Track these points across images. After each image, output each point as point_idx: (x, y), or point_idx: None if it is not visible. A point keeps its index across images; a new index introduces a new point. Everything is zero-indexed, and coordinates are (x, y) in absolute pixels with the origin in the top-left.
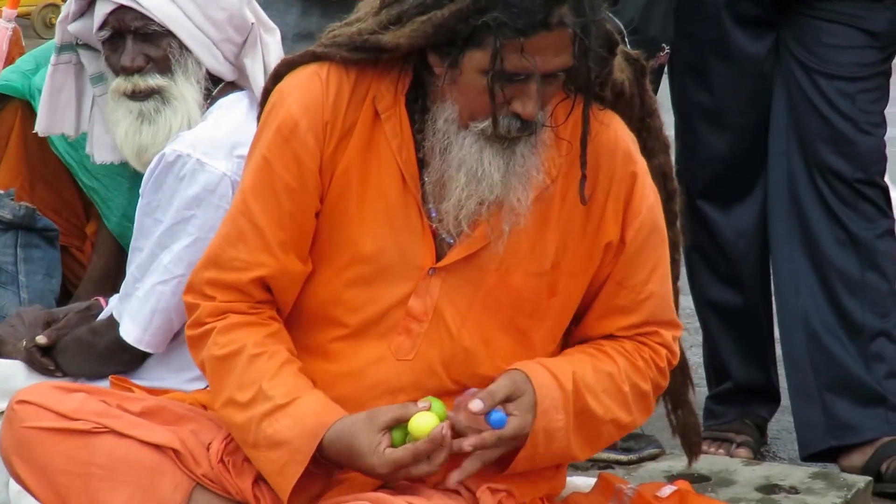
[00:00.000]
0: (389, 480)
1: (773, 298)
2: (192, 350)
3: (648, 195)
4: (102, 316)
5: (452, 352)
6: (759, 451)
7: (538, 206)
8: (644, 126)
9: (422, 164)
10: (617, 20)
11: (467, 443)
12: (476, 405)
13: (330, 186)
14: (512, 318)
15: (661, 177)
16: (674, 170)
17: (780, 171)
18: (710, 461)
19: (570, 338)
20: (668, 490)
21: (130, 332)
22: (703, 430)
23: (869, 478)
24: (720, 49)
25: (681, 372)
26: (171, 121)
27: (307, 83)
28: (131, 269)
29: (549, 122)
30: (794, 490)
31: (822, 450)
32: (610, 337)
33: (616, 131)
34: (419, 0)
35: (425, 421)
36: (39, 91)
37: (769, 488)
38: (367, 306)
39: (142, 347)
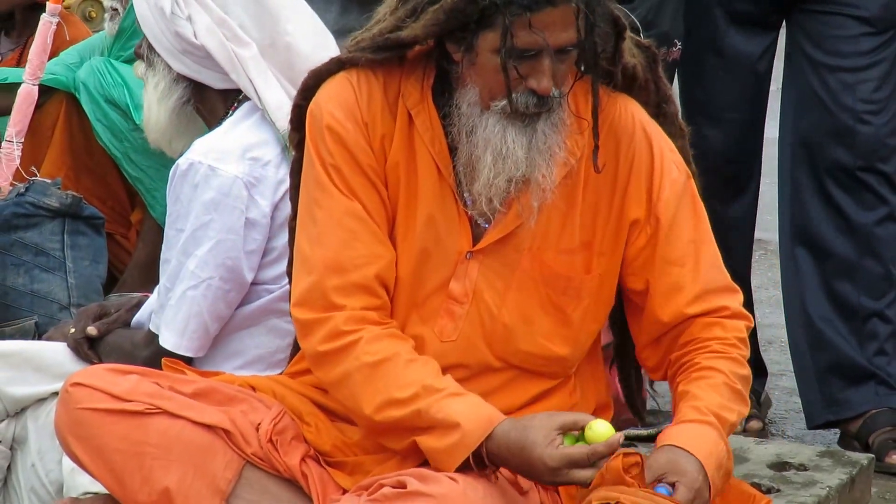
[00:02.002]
0: (550, 478)
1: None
2: (327, 364)
3: (671, 170)
4: (139, 317)
5: (493, 330)
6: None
7: (565, 186)
8: (660, 111)
9: (453, 152)
10: (632, 16)
11: None
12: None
13: (386, 179)
14: (548, 295)
15: (681, 160)
16: (690, 154)
17: (782, 166)
18: None
19: (643, 332)
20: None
21: (168, 340)
22: None
23: (871, 455)
24: (713, 46)
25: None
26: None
27: (340, 90)
28: (162, 280)
29: (568, 104)
30: (803, 467)
31: (822, 423)
32: (684, 323)
33: (633, 114)
34: None
35: (604, 428)
36: (84, 84)
37: (780, 465)
38: (411, 292)
39: (181, 352)
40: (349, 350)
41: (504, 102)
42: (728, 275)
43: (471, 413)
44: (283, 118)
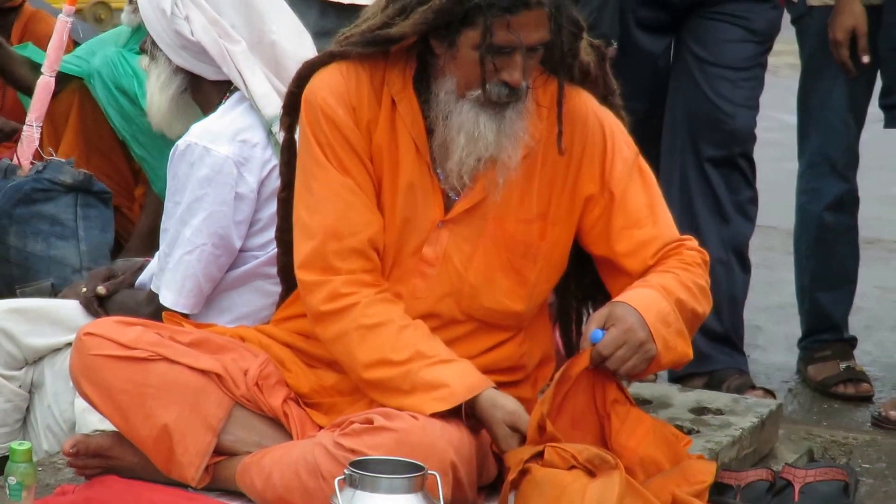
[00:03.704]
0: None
1: None
2: (326, 323)
3: (622, 149)
4: (142, 278)
5: (460, 289)
6: None
7: (525, 164)
8: (607, 103)
9: (429, 134)
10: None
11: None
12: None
13: (372, 158)
14: (509, 259)
15: (630, 140)
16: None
17: (673, 148)
18: (652, 388)
19: (619, 281)
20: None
21: (167, 298)
22: None
23: (779, 401)
24: (625, 45)
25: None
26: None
27: (331, 78)
28: (162, 247)
29: (531, 93)
30: (719, 412)
31: (683, 375)
32: (648, 270)
33: (586, 102)
34: None
35: None
36: (98, 72)
37: (699, 410)
38: (394, 255)
39: (178, 309)
40: (347, 312)
41: (479, 92)
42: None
43: (457, 376)
44: (267, 106)
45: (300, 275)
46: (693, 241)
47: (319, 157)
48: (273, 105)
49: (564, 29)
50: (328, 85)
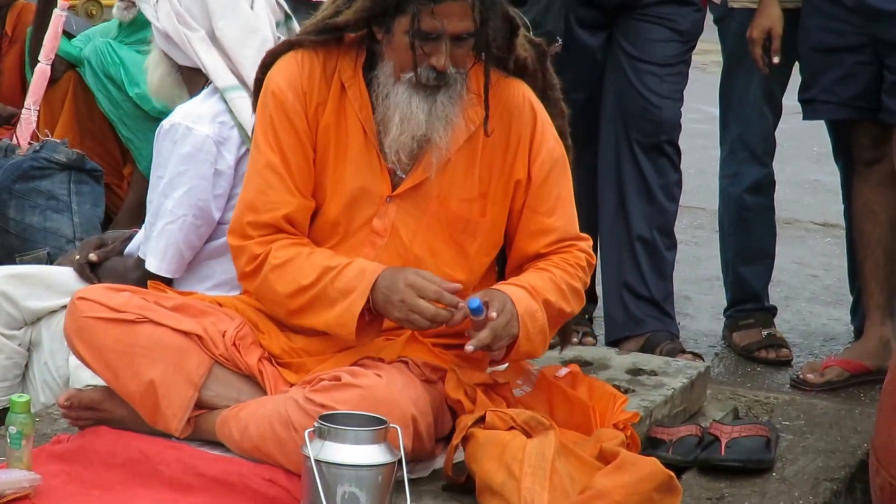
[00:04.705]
0: (399, 297)
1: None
2: (251, 280)
3: (549, 141)
4: (130, 247)
5: (406, 259)
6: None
7: (467, 148)
8: (545, 96)
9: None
10: (524, 17)
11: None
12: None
13: (316, 141)
14: (450, 233)
15: (558, 136)
16: (568, 131)
17: (609, 134)
18: (592, 351)
19: (510, 260)
20: (563, 371)
21: (152, 264)
22: None
23: (707, 363)
24: (568, 42)
25: None
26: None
27: (287, 65)
28: (147, 217)
29: (468, 83)
30: (653, 373)
31: (619, 338)
32: (539, 256)
33: (523, 94)
34: None
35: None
36: (88, 60)
37: (635, 371)
38: (345, 227)
39: (162, 273)
40: (261, 265)
41: (411, 75)
42: (578, 227)
43: (359, 275)
44: (219, 79)
45: (227, 239)
46: (588, 242)
47: (257, 137)
48: (224, 78)
49: (490, 22)
50: (283, 70)
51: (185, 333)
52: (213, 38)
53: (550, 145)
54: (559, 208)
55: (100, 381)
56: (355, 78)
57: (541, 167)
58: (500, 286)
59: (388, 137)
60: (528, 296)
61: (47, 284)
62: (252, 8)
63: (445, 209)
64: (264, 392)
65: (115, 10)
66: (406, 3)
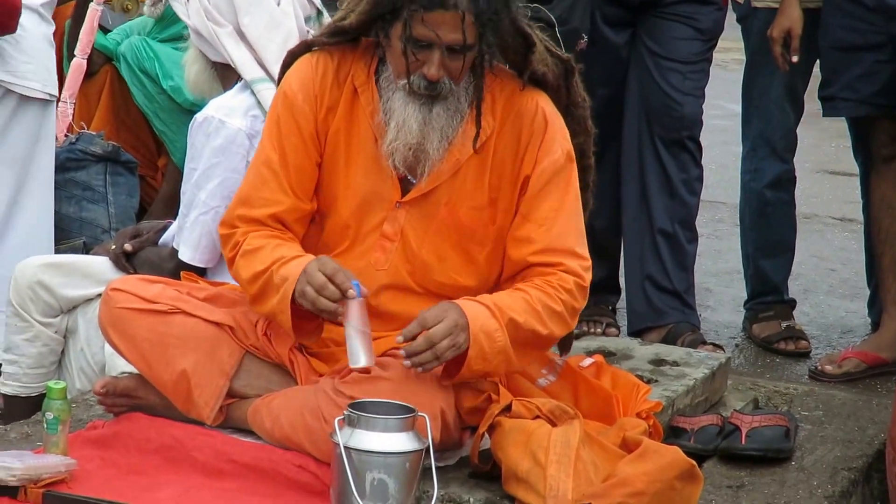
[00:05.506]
0: (301, 287)
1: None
2: (230, 266)
3: (555, 150)
4: (165, 238)
5: (415, 263)
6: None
7: (478, 156)
8: (568, 112)
9: None
10: (550, 14)
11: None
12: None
13: (325, 144)
14: (458, 240)
15: (579, 153)
16: (591, 149)
17: (632, 130)
18: (616, 342)
19: (504, 269)
20: (587, 361)
21: (185, 254)
22: None
23: (727, 354)
24: (595, 38)
25: None
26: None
27: (303, 67)
28: (181, 208)
29: (465, 91)
30: (675, 363)
31: (642, 328)
32: (527, 267)
33: (537, 102)
34: None
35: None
36: (123, 56)
37: (658, 362)
38: (355, 230)
39: (195, 263)
40: (238, 249)
41: (405, 81)
42: (579, 243)
43: (296, 266)
44: (247, 72)
45: (217, 227)
46: (582, 262)
47: (263, 133)
48: (252, 71)
49: (487, 38)
50: (298, 72)
51: (217, 324)
52: (240, 33)
53: (555, 156)
54: (550, 220)
55: (135, 369)
56: (368, 83)
57: (539, 176)
58: (458, 301)
59: (384, 141)
60: (487, 314)
61: (83, 273)
62: (279, 4)
63: (454, 217)
64: (295, 381)
65: (144, 8)
66: (400, 8)
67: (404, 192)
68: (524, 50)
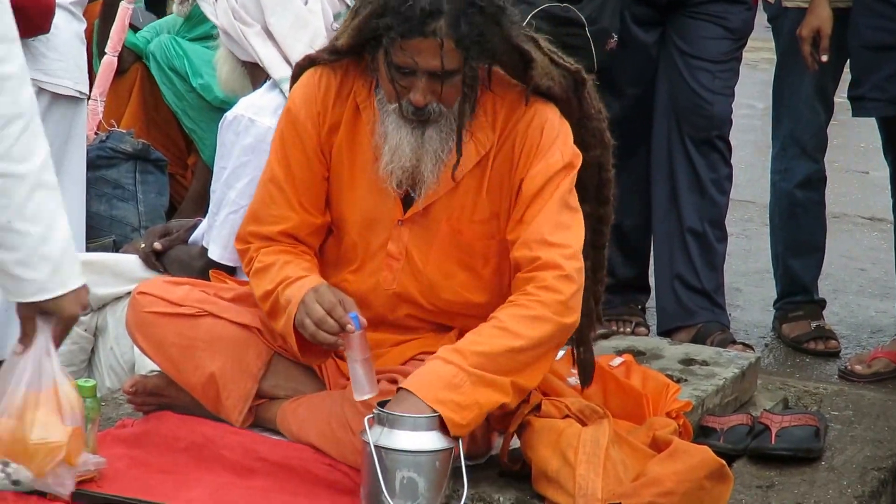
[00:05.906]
0: (300, 317)
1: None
2: (250, 280)
3: (553, 155)
4: (195, 236)
5: (421, 282)
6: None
7: (476, 171)
8: (581, 125)
9: None
10: (579, 13)
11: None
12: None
13: (330, 161)
14: (462, 257)
15: (596, 167)
16: (610, 162)
17: (661, 129)
18: (645, 341)
19: None
20: (617, 361)
21: (215, 252)
22: (604, 313)
23: (757, 354)
24: (624, 38)
25: (586, 317)
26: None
27: (307, 82)
28: (210, 207)
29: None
30: (705, 363)
31: (671, 328)
32: (516, 267)
33: (538, 112)
34: (354, 8)
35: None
36: (153, 54)
37: (687, 361)
38: (363, 249)
39: (224, 262)
40: (251, 265)
41: (395, 105)
42: (554, 232)
43: (300, 289)
44: (276, 72)
45: (234, 243)
46: (558, 251)
47: (275, 146)
48: (280, 69)
49: (471, 62)
50: (302, 87)
51: (245, 326)
52: (268, 33)
53: (552, 161)
54: (536, 216)
55: None
56: (369, 100)
57: (533, 179)
58: (410, 379)
59: (381, 162)
60: (444, 368)
61: (113, 271)
62: (306, 3)
63: (456, 233)
64: (323, 382)
65: (174, 7)
66: (381, 34)
67: (406, 209)
68: (522, 65)
